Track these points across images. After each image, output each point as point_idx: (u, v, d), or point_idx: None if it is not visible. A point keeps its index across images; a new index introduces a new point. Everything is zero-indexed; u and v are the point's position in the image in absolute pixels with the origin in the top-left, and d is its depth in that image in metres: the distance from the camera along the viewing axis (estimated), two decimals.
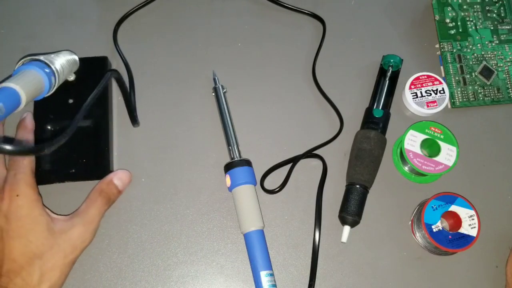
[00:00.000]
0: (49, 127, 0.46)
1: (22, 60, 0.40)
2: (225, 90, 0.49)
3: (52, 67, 0.40)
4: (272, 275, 0.42)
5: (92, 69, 0.48)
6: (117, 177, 0.44)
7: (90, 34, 0.52)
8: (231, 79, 0.50)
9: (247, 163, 0.45)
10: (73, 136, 0.44)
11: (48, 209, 0.42)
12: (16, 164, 0.41)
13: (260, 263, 0.42)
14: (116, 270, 0.44)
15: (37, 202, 0.40)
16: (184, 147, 0.48)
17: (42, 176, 0.44)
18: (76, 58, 0.46)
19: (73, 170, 0.45)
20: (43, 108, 0.47)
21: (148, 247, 0.44)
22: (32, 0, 0.53)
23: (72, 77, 0.46)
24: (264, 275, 0.41)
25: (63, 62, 0.43)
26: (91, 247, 0.44)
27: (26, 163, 0.41)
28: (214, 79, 0.49)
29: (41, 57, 0.40)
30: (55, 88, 0.41)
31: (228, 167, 0.45)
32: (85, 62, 0.47)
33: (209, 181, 0.47)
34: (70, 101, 0.47)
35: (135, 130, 0.48)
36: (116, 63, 0.51)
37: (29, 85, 0.37)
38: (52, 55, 0.42)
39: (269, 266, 0.42)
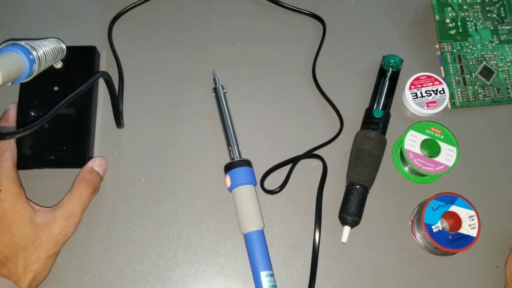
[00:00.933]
0: (32, 113, 0.46)
1: (5, 44, 0.40)
2: (225, 90, 0.49)
3: (34, 52, 0.41)
4: (272, 275, 0.42)
5: (80, 58, 0.49)
6: (96, 164, 0.45)
7: (87, 31, 0.52)
8: (231, 79, 0.50)
9: (247, 163, 0.45)
10: (55, 123, 0.46)
11: (31, 201, 0.42)
12: None
13: (260, 263, 0.42)
14: (116, 270, 0.44)
15: (19, 195, 0.40)
16: (184, 147, 0.48)
17: (21, 162, 0.44)
18: (63, 46, 0.46)
19: (53, 157, 0.45)
20: (28, 94, 0.47)
21: (148, 247, 0.44)
22: (32, 0, 0.53)
23: (59, 65, 0.47)
24: (264, 276, 0.41)
25: (48, 49, 0.43)
26: (91, 247, 0.44)
27: (7, 156, 0.41)
28: (214, 79, 0.49)
29: (22, 42, 0.40)
30: (35, 73, 0.41)
31: (228, 168, 0.45)
32: (73, 51, 0.48)
33: (209, 181, 0.47)
34: (56, 88, 0.47)
35: (135, 130, 0.48)
36: (110, 60, 0.51)
37: (7, 66, 0.37)
38: (37, 41, 0.43)
39: (269, 267, 0.42)
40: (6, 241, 0.39)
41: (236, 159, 0.45)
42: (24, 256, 0.39)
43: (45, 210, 0.42)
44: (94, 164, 0.45)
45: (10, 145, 0.43)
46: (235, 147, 0.46)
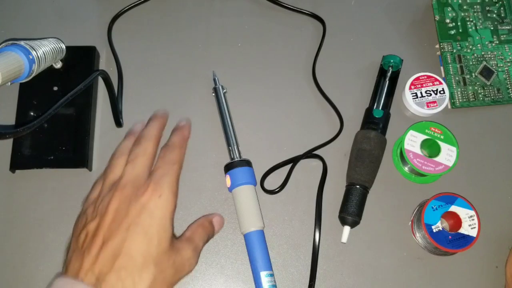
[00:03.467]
0: (32, 113, 0.46)
1: (4, 43, 0.40)
2: (225, 90, 0.49)
3: (33, 52, 0.41)
4: (272, 275, 0.42)
5: (80, 58, 0.49)
6: (215, 220, 0.43)
7: (87, 31, 0.52)
8: (231, 79, 0.50)
9: (247, 163, 0.45)
10: (54, 123, 0.46)
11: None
12: (164, 164, 0.40)
13: (260, 263, 0.42)
14: None
15: (171, 213, 0.38)
16: None
17: (21, 161, 0.45)
18: (63, 46, 0.46)
19: (52, 157, 0.45)
20: (28, 94, 0.47)
21: None
22: (32, 0, 0.54)
23: (58, 65, 0.47)
24: (264, 276, 0.41)
25: (47, 49, 0.43)
26: None
27: (176, 168, 0.40)
28: (214, 79, 0.49)
29: (22, 42, 0.40)
30: (35, 73, 0.41)
31: (228, 168, 0.45)
32: (73, 51, 0.48)
33: (209, 181, 0.47)
34: (55, 88, 0.47)
35: None
36: (109, 60, 0.51)
37: (6, 66, 0.37)
38: (37, 41, 0.43)
39: (269, 267, 0.42)
40: (143, 247, 0.35)
41: (236, 159, 0.45)
42: (154, 272, 0.34)
43: (174, 238, 0.39)
44: (214, 219, 0.43)
45: (179, 157, 0.41)
46: (235, 147, 0.46)
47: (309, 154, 0.47)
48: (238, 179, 0.44)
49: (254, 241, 0.42)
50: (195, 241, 0.40)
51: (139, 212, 0.36)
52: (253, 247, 0.42)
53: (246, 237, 0.43)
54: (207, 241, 0.42)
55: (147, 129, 0.43)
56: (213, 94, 0.49)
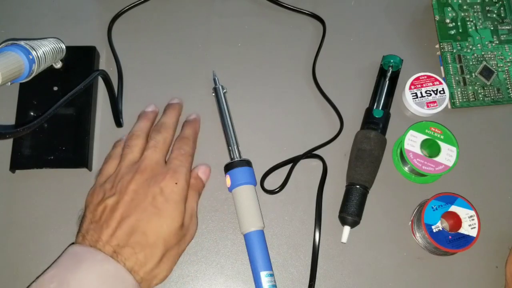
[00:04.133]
0: (32, 113, 0.46)
1: (4, 43, 0.40)
2: (225, 90, 0.49)
3: (33, 52, 0.41)
4: (272, 275, 0.42)
5: (80, 58, 0.49)
6: (201, 171, 0.45)
7: (87, 31, 0.52)
8: (231, 79, 0.50)
9: (247, 163, 0.45)
10: (54, 123, 0.46)
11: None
12: (181, 155, 0.43)
13: (260, 263, 0.42)
14: None
15: (185, 199, 0.41)
16: None
17: (21, 161, 0.45)
18: (63, 46, 0.46)
19: (52, 157, 0.45)
20: (28, 94, 0.47)
21: None
22: (32, 0, 0.54)
23: (59, 65, 0.47)
24: (264, 276, 0.41)
25: (47, 49, 0.43)
26: None
27: (190, 160, 0.44)
28: (214, 79, 0.49)
29: (22, 42, 0.40)
30: (35, 73, 0.42)
31: (228, 168, 0.45)
32: (73, 51, 0.48)
33: (209, 181, 0.47)
34: (55, 88, 0.47)
35: None
36: (109, 60, 0.51)
37: (6, 66, 0.37)
38: (37, 41, 0.43)
39: (269, 267, 0.42)
40: (157, 228, 0.38)
41: (236, 159, 0.45)
42: (163, 250, 0.38)
43: None
44: (199, 171, 0.45)
45: (192, 150, 0.45)
46: (235, 147, 0.46)
47: (309, 154, 0.47)
48: (238, 179, 0.44)
49: (254, 241, 0.42)
50: (188, 207, 0.42)
51: (157, 195, 0.39)
52: (253, 247, 0.42)
53: (246, 237, 0.43)
54: (199, 196, 0.44)
55: (166, 117, 0.46)
56: (213, 94, 0.49)
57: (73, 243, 0.39)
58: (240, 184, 0.44)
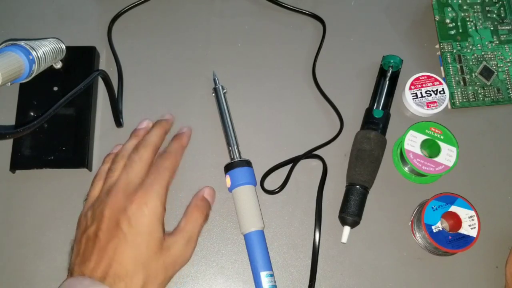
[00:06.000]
0: (32, 113, 0.46)
1: (4, 44, 0.40)
2: (225, 90, 0.49)
3: (33, 52, 0.41)
4: (272, 275, 0.42)
5: (80, 59, 0.49)
6: (207, 193, 0.45)
7: (87, 31, 0.52)
8: (231, 79, 0.50)
9: (247, 163, 0.45)
10: (54, 124, 0.46)
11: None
12: (156, 171, 0.41)
13: (260, 263, 0.42)
14: None
15: (159, 218, 0.40)
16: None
17: (21, 161, 0.45)
18: (63, 46, 0.46)
19: (52, 157, 0.45)
20: (28, 94, 0.47)
21: None
22: (32, 0, 0.54)
23: (59, 65, 0.47)
24: (264, 276, 0.41)
25: (47, 50, 0.43)
26: None
27: (166, 175, 0.42)
28: (214, 80, 0.49)
29: (22, 42, 0.40)
30: (35, 73, 0.42)
31: (228, 168, 0.45)
32: (73, 51, 0.48)
33: (209, 182, 0.47)
34: (55, 88, 0.47)
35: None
36: (109, 60, 0.51)
37: (6, 66, 0.37)
38: (37, 42, 0.43)
39: (269, 267, 0.42)
40: (131, 255, 0.38)
41: (236, 159, 0.45)
42: (144, 274, 0.38)
43: (167, 234, 0.41)
44: (205, 193, 0.44)
45: (172, 165, 0.43)
46: (235, 147, 0.46)
47: (309, 154, 0.47)
48: (238, 179, 0.44)
49: (254, 241, 0.42)
50: (188, 230, 0.42)
51: (127, 222, 0.38)
52: (253, 247, 0.42)
53: (246, 237, 0.43)
54: (205, 219, 0.43)
55: (148, 135, 0.45)
56: (213, 94, 0.49)
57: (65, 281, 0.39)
58: (240, 185, 0.44)
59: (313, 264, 0.43)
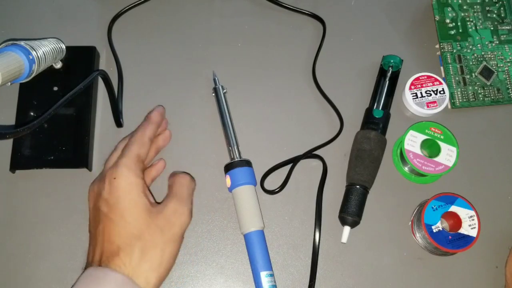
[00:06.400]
0: (32, 113, 0.46)
1: (4, 44, 0.40)
2: (225, 90, 0.49)
3: (33, 52, 0.41)
4: (272, 275, 0.42)
5: (80, 59, 0.49)
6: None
7: (87, 31, 0.52)
8: (231, 79, 0.50)
9: (247, 163, 0.45)
10: (54, 123, 0.46)
11: (151, 194, 0.42)
12: (124, 149, 0.42)
13: (260, 263, 0.42)
14: None
15: (135, 185, 0.39)
16: (184, 148, 0.48)
17: (21, 161, 0.45)
18: (63, 46, 0.46)
19: (52, 157, 0.45)
20: (28, 94, 0.47)
21: None
22: (32, 0, 0.54)
23: (58, 65, 0.47)
24: (264, 276, 0.41)
25: (47, 50, 0.43)
26: None
27: (134, 148, 0.41)
28: (214, 80, 0.49)
29: (22, 42, 0.40)
30: (35, 73, 0.42)
31: (228, 168, 0.45)
32: (72, 51, 0.48)
33: (209, 181, 0.47)
34: (55, 88, 0.47)
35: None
36: (109, 60, 0.51)
37: (6, 66, 0.37)
38: (37, 42, 0.43)
39: (269, 267, 0.42)
40: (119, 230, 0.38)
41: (236, 159, 0.45)
42: (139, 245, 0.37)
43: (159, 203, 0.41)
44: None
45: (142, 140, 0.42)
46: (235, 147, 0.46)
47: (309, 154, 0.47)
48: (238, 179, 0.44)
49: (254, 241, 0.42)
50: (176, 192, 0.42)
51: (105, 203, 0.39)
52: (253, 247, 0.42)
53: (246, 237, 0.43)
54: (191, 190, 0.44)
55: (134, 132, 0.44)
56: (213, 94, 0.49)
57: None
58: (240, 185, 0.44)
59: (313, 264, 0.43)
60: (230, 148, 0.46)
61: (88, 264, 0.38)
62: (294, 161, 0.47)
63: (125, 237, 0.37)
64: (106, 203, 0.39)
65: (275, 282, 0.42)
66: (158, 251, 0.38)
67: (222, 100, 0.48)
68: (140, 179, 0.40)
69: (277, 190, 0.46)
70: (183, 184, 0.43)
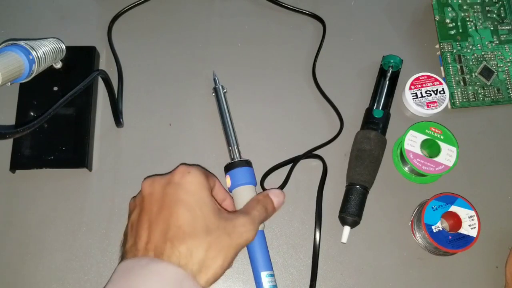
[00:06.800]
0: (31, 113, 0.47)
1: (4, 44, 0.40)
2: (225, 90, 0.49)
3: (33, 52, 0.41)
4: (272, 275, 0.42)
5: (80, 59, 0.49)
6: (273, 194, 0.42)
7: (87, 31, 0.52)
8: (231, 79, 0.50)
9: (247, 163, 0.45)
10: (54, 123, 0.46)
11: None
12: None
13: (260, 263, 0.42)
14: None
15: (206, 187, 0.38)
16: (184, 147, 0.48)
17: (21, 161, 0.45)
18: (63, 46, 0.46)
19: (52, 157, 0.45)
20: (28, 94, 0.47)
21: None
22: (32, 0, 0.54)
23: (58, 65, 0.47)
24: (265, 276, 0.41)
25: (47, 50, 0.43)
26: (91, 247, 0.44)
27: (200, 169, 0.40)
28: (214, 79, 0.49)
29: (22, 42, 0.40)
30: (35, 73, 0.42)
31: (228, 168, 0.45)
32: (73, 51, 0.48)
33: None
34: (55, 88, 0.47)
35: (135, 130, 0.48)
36: (109, 60, 0.51)
37: (6, 66, 0.37)
38: (37, 42, 0.43)
39: (270, 267, 0.42)
40: (189, 218, 0.35)
41: (236, 159, 0.45)
42: (208, 240, 0.35)
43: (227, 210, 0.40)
44: (271, 193, 0.42)
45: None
46: (235, 147, 0.46)
47: (309, 154, 0.47)
48: (238, 180, 0.44)
49: (254, 241, 0.42)
50: (249, 212, 0.39)
51: (176, 188, 0.37)
52: (253, 247, 0.42)
53: None
54: (265, 215, 0.41)
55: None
56: (213, 94, 0.49)
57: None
58: (240, 185, 0.44)
59: (314, 264, 0.43)
60: (230, 148, 0.46)
61: (134, 250, 0.35)
62: (294, 161, 0.47)
63: (194, 227, 0.35)
64: (177, 188, 0.37)
65: (275, 282, 0.42)
66: (223, 253, 0.36)
67: (222, 100, 0.48)
68: (209, 185, 0.39)
69: None
70: (253, 207, 0.40)
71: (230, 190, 0.45)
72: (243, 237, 0.37)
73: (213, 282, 0.35)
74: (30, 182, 0.46)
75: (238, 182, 0.44)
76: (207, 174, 0.40)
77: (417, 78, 0.49)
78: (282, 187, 0.46)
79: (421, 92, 0.49)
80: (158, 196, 0.37)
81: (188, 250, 0.34)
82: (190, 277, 0.33)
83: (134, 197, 0.40)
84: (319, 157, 0.47)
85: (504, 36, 0.52)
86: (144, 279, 0.33)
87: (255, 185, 0.45)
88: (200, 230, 0.35)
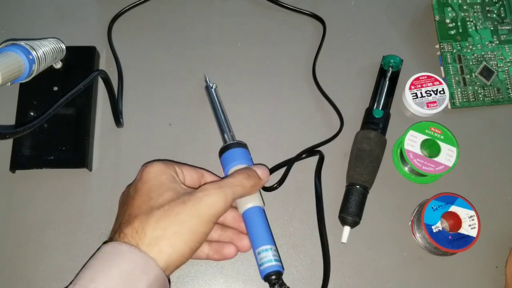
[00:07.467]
0: (32, 113, 0.47)
1: (4, 44, 0.40)
2: (214, 86, 0.48)
3: (33, 52, 0.41)
4: (270, 250, 0.39)
5: (80, 58, 0.49)
6: (256, 166, 0.42)
7: (87, 31, 0.52)
8: (231, 79, 0.50)
9: (239, 144, 0.44)
10: (54, 123, 0.46)
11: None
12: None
13: (265, 237, 0.39)
14: None
15: (165, 171, 0.38)
16: (183, 147, 0.48)
17: (21, 161, 0.45)
18: (63, 46, 0.46)
19: (52, 157, 0.45)
20: (28, 94, 0.47)
21: None
22: (32, 0, 0.54)
23: (59, 65, 0.47)
24: (260, 251, 0.39)
25: (47, 50, 0.43)
26: (91, 247, 0.44)
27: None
28: (206, 81, 0.49)
29: (22, 42, 0.40)
30: (35, 73, 0.42)
31: (221, 152, 0.44)
32: (72, 51, 0.48)
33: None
34: (55, 88, 0.48)
35: (135, 130, 0.48)
36: (109, 60, 0.51)
37: (6, 66, 0.37)
38: (37, 42, 0.43)
39: (268, 242, 0.40)
40: (139, 203, 0.36)
41: (228, 143, 0.44)
42: (157, 213, 0.35)
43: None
44: (256, 167, 0.41)
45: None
46: (225, 134, 0.45)
47: (309, 152, 0.47)
48: (225, 165, 0.43)
49: (254, 217, 0.40)
50: (223, 180, 0.39)
51: (134, 186, 0.39)
52: (253, 222, 0.40)
53: (245, 215, 0.41)
54: (246, 180, 0.39)
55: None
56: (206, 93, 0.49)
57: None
58: (228, 169, 0.42)
59: (325, 261, 0.43)
60: (224, 135, 0.45)
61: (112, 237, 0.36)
62: (292, 160, 0.47)
63: (143, 208, 0.36)
64: (134, 187, 0.38)
65: (275, 256, 0.39)
66: (176, 221, 0.35)
67: (214, 96, 0.48)
68: (173, 173, 0.39)
69: (275, 186, 0.46)
70: (242, 174, 0.40)
71: (225, 174, 0.44)
72: (203, 202, 0.36)
73: (176, 252, 0.34)
74: (30, 182, 0.46)
75: (226, 168, 0.43)
76: (168, 162, 0.40)
77: (417, 78, 0.49)
78: (280, 183, 0.46)
79: (421, 92, 0.49)
80: (124, 197, 0.40)
81: (133, 229, 0.35)
82: (136, 251, 0.33)
83: None
84: (317, 152, 0.47)
85: (504, 36, 0.52)
86: (97, 262, 0.34)
87: (250, 164, 0.43)
88: (149, 209, 0.35)
